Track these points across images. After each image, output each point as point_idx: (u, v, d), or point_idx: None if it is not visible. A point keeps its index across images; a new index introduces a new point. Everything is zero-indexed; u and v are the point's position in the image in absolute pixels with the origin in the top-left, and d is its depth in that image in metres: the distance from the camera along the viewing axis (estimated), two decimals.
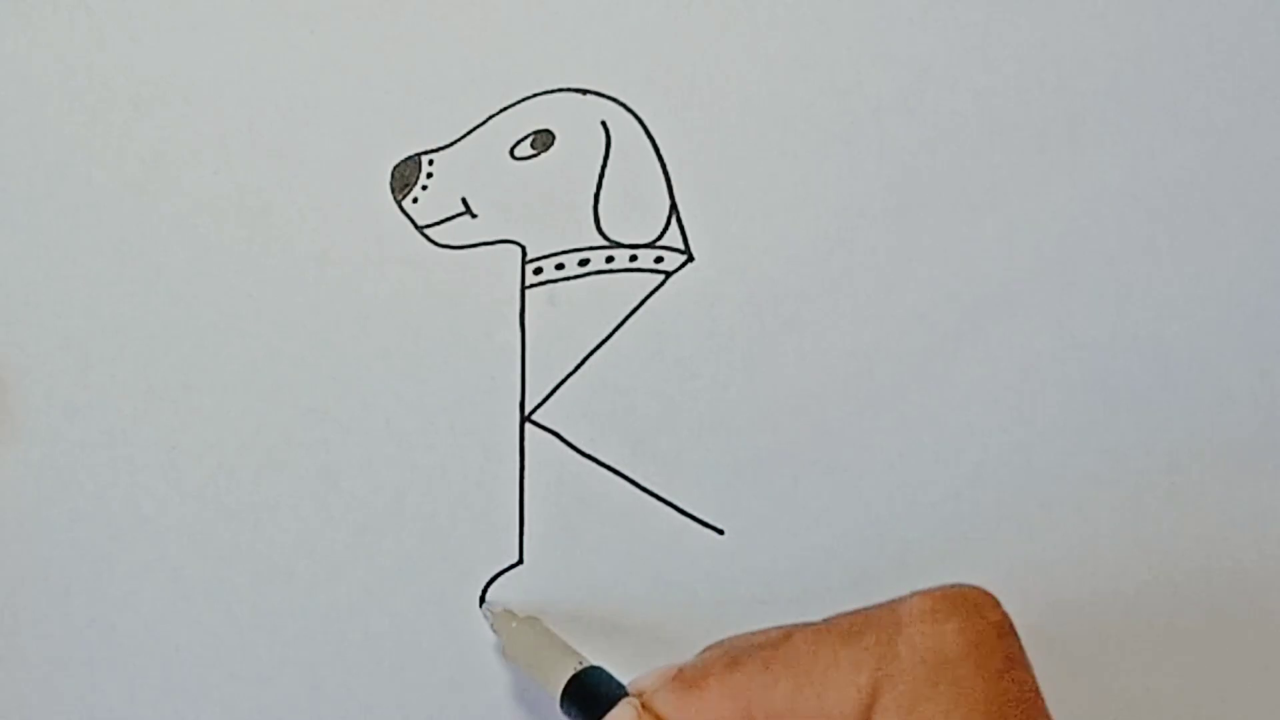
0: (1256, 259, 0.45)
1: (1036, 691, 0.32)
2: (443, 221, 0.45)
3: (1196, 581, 0.45)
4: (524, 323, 0.45)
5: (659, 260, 0.45)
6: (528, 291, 0.45)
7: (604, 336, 0.45)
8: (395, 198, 0.45)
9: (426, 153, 0.45)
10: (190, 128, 0.45)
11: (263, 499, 0.44)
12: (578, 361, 0.45)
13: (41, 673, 0.44)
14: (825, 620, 0.34)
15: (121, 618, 0.44)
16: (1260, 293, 0.45)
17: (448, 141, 0.45)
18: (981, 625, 0.32)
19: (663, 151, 0.45)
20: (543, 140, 0.45)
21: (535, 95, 0.45)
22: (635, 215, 0.45)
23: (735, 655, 0.35)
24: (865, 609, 0.34)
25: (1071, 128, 0.45)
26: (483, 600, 0.44)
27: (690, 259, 0.45)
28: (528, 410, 0.45)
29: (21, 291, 0.44)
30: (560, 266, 0.45)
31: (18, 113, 0.45)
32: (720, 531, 0.45)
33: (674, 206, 0.45)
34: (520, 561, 0.44)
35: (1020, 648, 0.32)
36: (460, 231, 0.45)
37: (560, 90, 0.45)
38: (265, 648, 0.44)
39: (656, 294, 0.45)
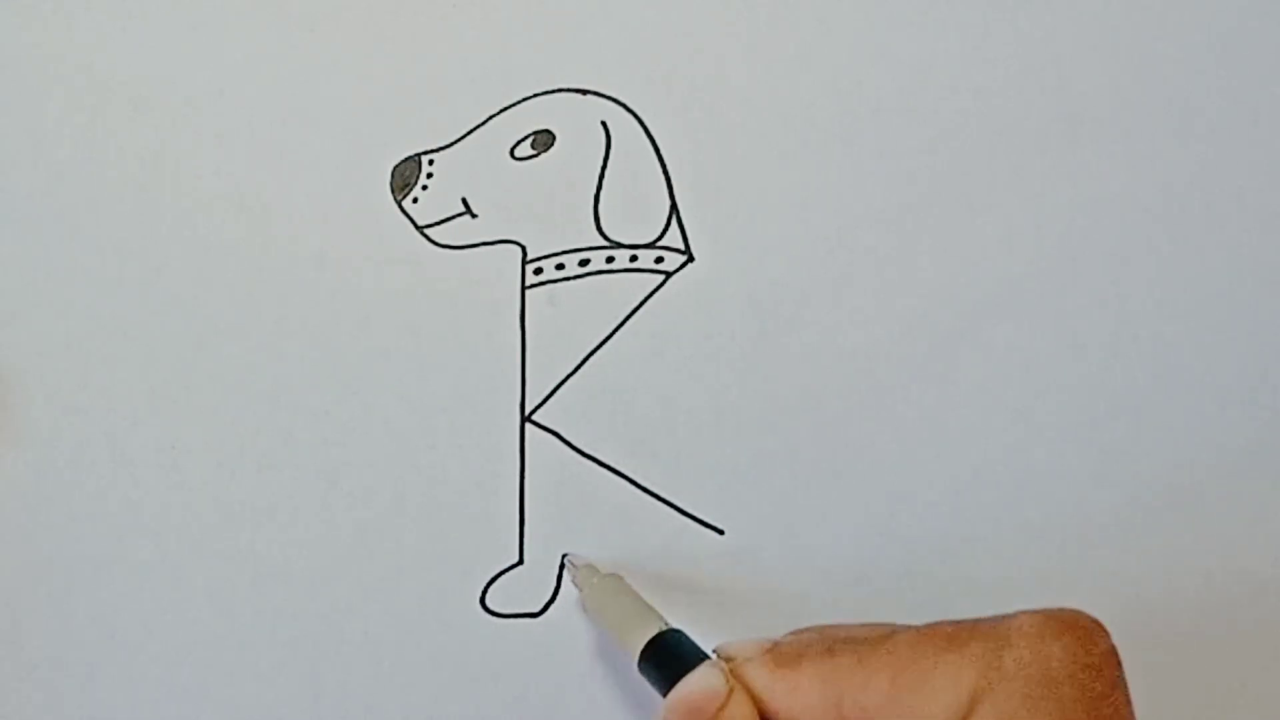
0: (1256, 259, 0.45)
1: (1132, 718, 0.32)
2: (443, 221, 0.45)
3: (1196, 581, 0.45)
4: (524, 323, 0.45)
5: (659, 260, 0.45)
6: (528, 291, 0.45)
7: (604, 337, 0.45)
8: (395, 198, 0.45)
9: (427, 153, 0.45)
10: (190, 128, 0.45)
11: (263, 499, 0.44)
12: (578, 362, 0.45)
13: (42, 673, 0.44)
14: (927, 625, 0.34)
15: (122, 618, 0.44)
16: (1260, 293, 0.45)
17: (448, 141, 0.45)
18: (1089, 650, 0.32)
19: (663, 152, 0.45)
20: (543, 140, 0.45)
21: (535, 95, 0.45)
22: (635, 215, 0.45)
23: (831, 644, 0.35)
24: (970, 620, 0.33)
25: (1071, 128, 0.45)
26: (483, 600, 0.44)
27: (690, 259, 0.45)
28: (528, 410, 0.45)
29: (22, 292, 0.44)
30: (560, 267, 0.45)
31: (18, 113, 0.45)
32: (721, 531, 0.45)
33: (674, 207, 0.45)
34: (520, 561, 0.44)
35: (1123, 677, 0.32)
36: (460, 231, 0.45)
37: (560, 90, 0.46)
38: (265, 648, 0.44)
39: (657, 294, 0.45)
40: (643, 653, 0.39)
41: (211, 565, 0.44)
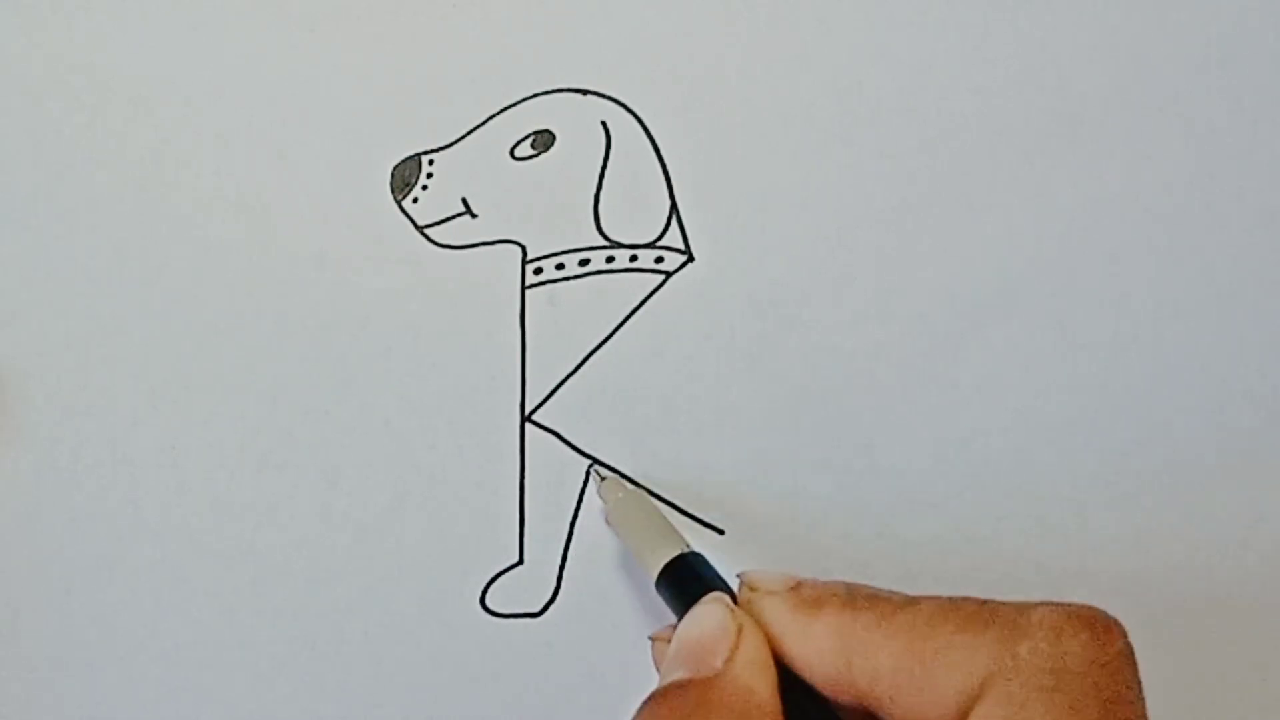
0: (1256, 259, 0.45)
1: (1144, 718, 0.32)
2: (443, 221, 0.45)
3: (1197, 581, 0.45)
4: (524, 323, 0.45)
5: (659, 260, 0.45)
6: (528, 291, 0.45)
7: (604, 337, 0.45)
8: (395, 198, 0.45)
9: (427, 153, 0.45)
10: (190, 128, 0.45)
11: (263, 499, 0.44)
12: (578, 362, 0.45)
13: (42, 672, 0.44)
14: (951, 599, 0.33)
15: (122, 617, 0.44)
16: (1260, 293, 0.45)
17: (448, 141, 0.45)
18: (1105, 648, 0.31)
19: (663, 151, 0.45)
20: (543, 140, 0.45)
21: (535, 95, 0.46)
22: (635, 215, 0.45)
23: (855, 597, 0.34)
24: (993, 603, 0.33)
25: (1071, 128, 0.45)
26: (483, 599, 0.44)
27: (690, 259, 0.45)
28: (528, 410, 0.45)
29: (22, 291, 0.44)
30: (560, 266, 0.45)
31: (18, 113, 0.45)
32: (721, 532, 0.45)
33: (674, 207, 0.45)
34: (520, 561, 0.44)
35: (1137, 678, 0.32)
36: (460, 231, 0.45)
37: (560, 90, 0.46)
38: (265, 647, 0.44)
39: (657, 294, 0.45)
40: (661, 573, 0.39)
41: (211, 565, 0.44)
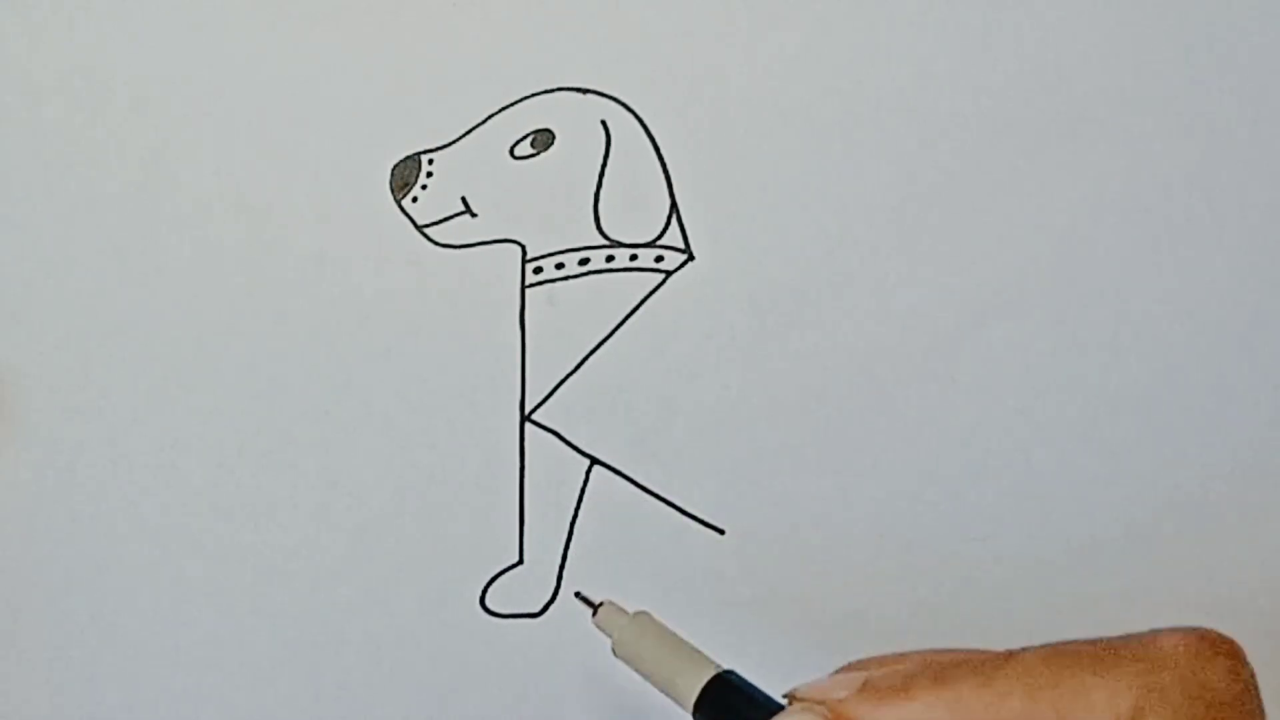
0: (1256, 259, 0.45)
1: None
2: (442, 221, 0.45)
3: (1197, 581, 0.45)
4: (524, 322, 0.45)
5: (659, 259, 0.45)
6: (528, 291, 0.45)
7: (604, 336, 0.45)
8: (395, 197, 0.45)
9: (426, 152, 0.45)
10: (190, 128, 0.45)
11: (262, 499, 0.44)
12: (578, 361, 0.45)
13: (41, 673, 0.44)
14: (1052, 645, 0.32)
15: (121, 617, 0.44)
16: (1260, 293, 0.45)
17: (447, 141, 0.45)
18: (1243, 673, 0.31)
19: (663, 150, 0.45)
20: (543, 139, 0.45)
21: (535, 94, 0.45)
22: (635, 214, 0.45)
23: (939, 669, 0.32)
24: (1104, 640, 0.32)
25: (1071, 128, 0.45)
26: (483, 600, 0.44)
27: (690, 258, 0.45)
28: (528, 410, 0.45)
29: (21, 291, 0.44)
30: (560, 266, 0.45)
31: (18, 113, 0.45)
32: (721, 531, 0.45)
33: (674, 206, 0.45)
34: (520, 561, 0.44)
35: (1261, 702, 0.31)
36: (460, 231, 0.45)
37: (560, 89, 0.45)
38: (265, 648, 0.44)
39: (656, 293, 0.45)
40: (699, 701, 0.35)
41: (211, 565, 0.44)
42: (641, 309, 0.45)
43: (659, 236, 0.45)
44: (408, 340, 0.45)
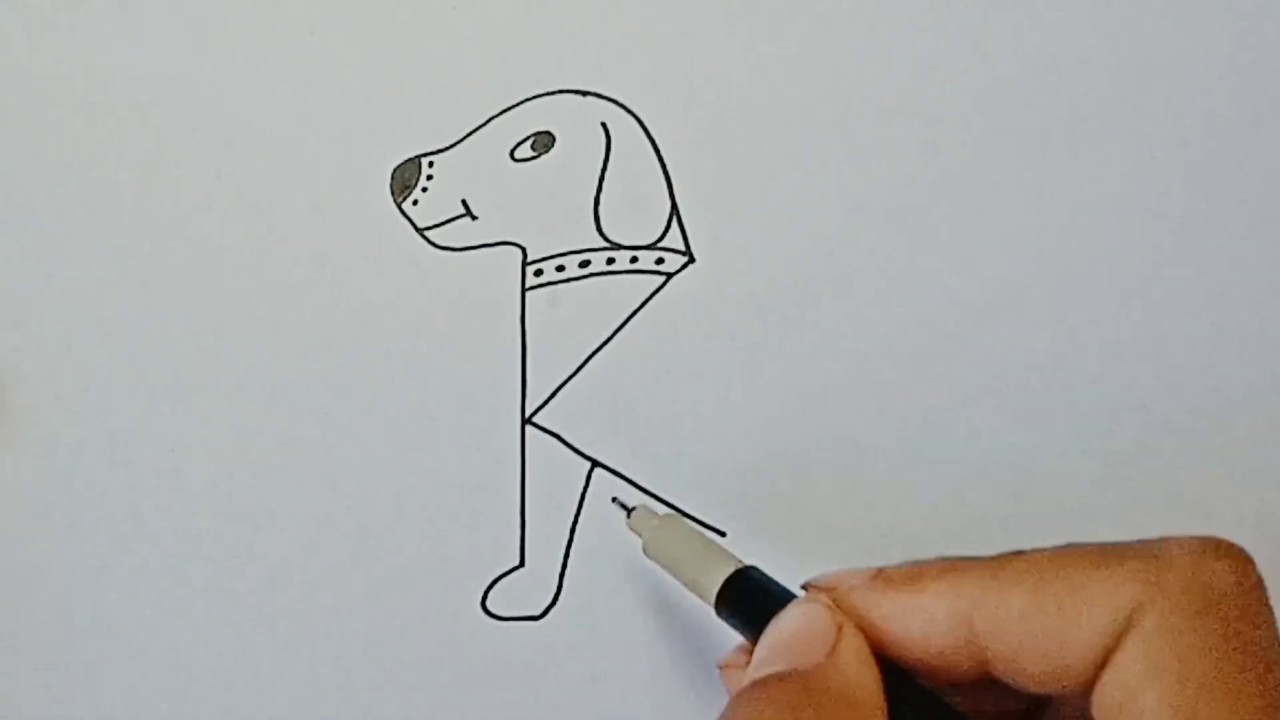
0: (1257, 259, 0.45)
1: None
2: (443, 224, 0.45)
3: None
4: (524, 325, 0.45)
5: (660, 262, 0.45)
6: (528, 293, 0.45)
7: (605, 338, 0.45)
8: (395, 200, 0.45)
9: (426, 155, 0.45)
10: (190, 130, 0.45)
11: (263, 502, 0.44)
12: (579, 363, 0.45)
13: (41, 676, 0.44)
14: (1061, 546, 0.32)
15: (122, 620, 0.44)
16: (1260, 293, 0.45)
17: (448, 144, 0.45)
18: (1249, 575, 0.31)
19: (663, 153, 0.45)
20: (543, 142, 0.45)
21: (535, 97, 0.46)
22: (636, 217, 0.45)
23: (949, 562, 0.33)
24: (1116, 543, 0.32)
25: (1071, 128, 0.46)
26: (484, 602, 0.44)
27: (691, 260, 0.45)
28: (528, 412, 0.45)
29: (22, 293, 0.44)
30: (561, 268, 0.45)
31: (18, 114, 0.45)
32: (722, 534, 0.45)
33: (674, 208, 0.45)
34: (522, 564, 0.44)
35: (1271, 609, 0.31)
36: (460, 233, 0.45)
37: (560, 92, 0.46)
38: (266, 651, 0.44)
39: (657, 295, 0.45)
40: (721, 593, 0.36)
41: (211, 568, 0.44)
42: (642, 311, 0.45)
43: (659, 239, 0.45)
44: (408, 343, 0.45)
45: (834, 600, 0.33)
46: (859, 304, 0.45)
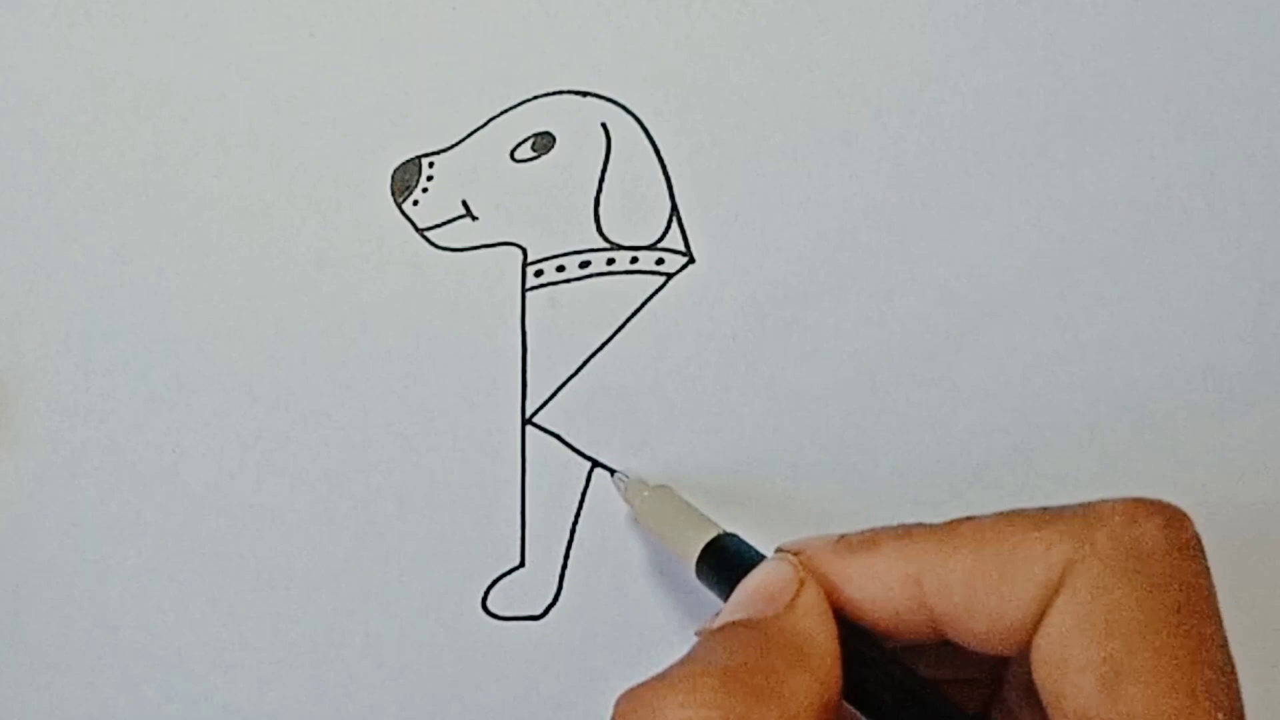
0: (1257, 259, 0.45)
1: (1217, 604, 0.32)
2: (443, 224, 0.45)
3: None
4: (525, 325, 0.45)
5: (660, 262, 0.45)
6: (528, 294, 0.45)
7: (605, 339, 0.45)
8: (395, 200, 0.45)
9: (427, 155, 0.45)
10: (191, 131, 0.45)
11: (264, 503, 0.44)
12: (579, 364, 0.45)
13: (43, 677, 0.44)
14: (1005, 511, 0.34)
15: (123, 620, 0.44)
16: (1260, 293, 0.45)
17: (448, 144, 0.45)
18: (1180, 533, 0.32)
19: (663, 153, 0.45)
20: (543, 142, 0.45)
21: (535, 98, 0.46)
22: (636, 217, 0.45)
23: (905, 528, 0.34)
24: (1057, 506, 0.33)
25: (1071, 128, 0.46)
26: (484, 602, 0.44)
27: (691, 261, 0.45)
28: (529, 413, 0.45)
29: (22, 295, 0.44)
30: (561, 269, 0.45)
31: (18, 115, 0.45)
32: None
33: (674, 208, 0.45)
34: (522, 564, 0.44)
35: (1207, 563, 0.32)
36: (461, 234, 0.45)
37: (560, 92, 0.46)
38: (267, 651, 0.44)
39: (657, 296, 0.45)
40: (700, 557, 0.39)
41: (212, 568, 0.44)
42: (642, 311, 0.45)
43: (659, 239, 0.45)
44: (408, 343, 0.45)
45: (801, 562, 0.35)
46: (858, 304, 0.45)
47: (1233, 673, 0.31)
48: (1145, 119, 0.46)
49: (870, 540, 0.34)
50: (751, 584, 0.35)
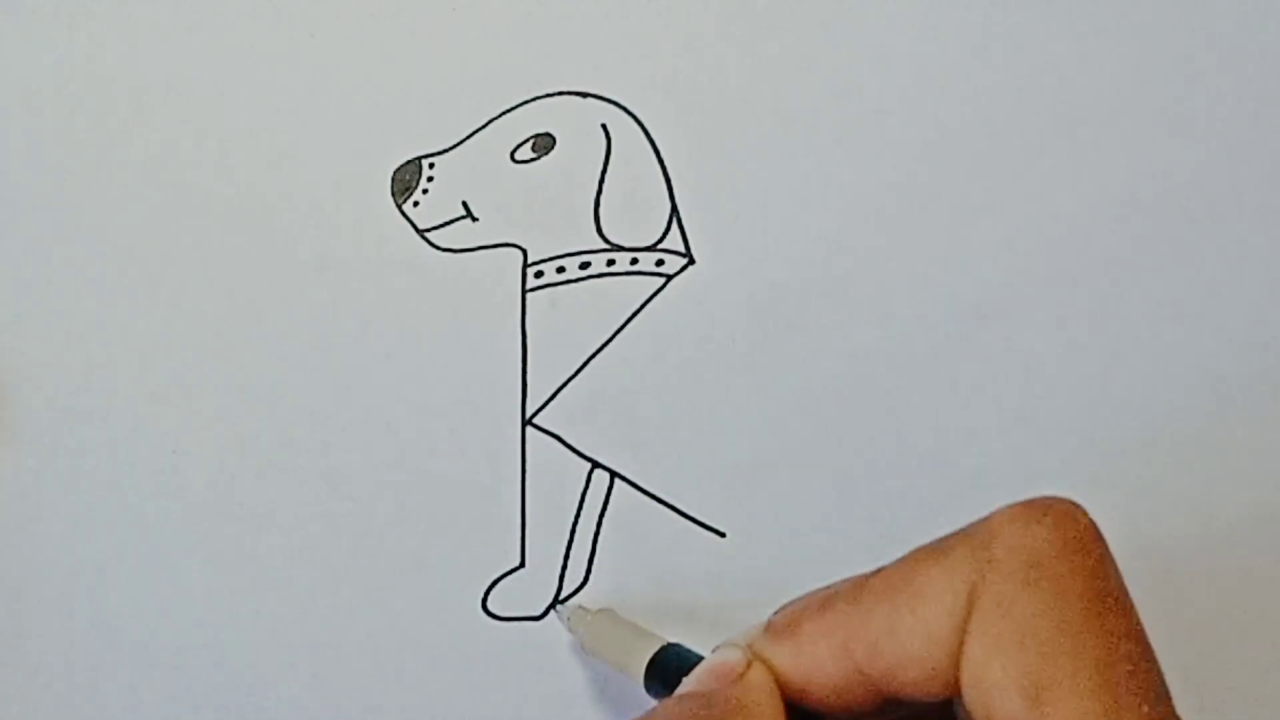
0: (1256, 259, 0.45)
1: (1126, 591, 0.32)
2: (443, 225, 0.45)
3: (1197, 583, 0.45)
4: (525, 326, 0.45)
5: (660, 263, 0.45)
6: (529, 295, 0.45)
7: (605, 340, 0.45)
8: (396, 201, 0.45)
9: (427, 156, 0.45)
10: (191, 131, 0.45)
11: (264, 503, 0.44)
12: (579, 365, 0.45)
13: (42, 678, 0.44)
14: (900, 558, 0.33)
15: (122, 621, 0.44)
16: (1260, 293, 0.45)
17: (448, 145, 0.45)
18: (1073, 528, 0.31)
19: (663, 154, 0.45)
20: (543, 143, 0.45)
21: (535, 98, 0.46)
22: (636, 218, 0.45)
23: (826, 596, 0.34)
24: (945, 535, 0.33)
25: (1071, 128, 0.46)
26: (484, 603, 0.44)
27: (691, 262, 0.45)
28: (529, 414, 0.45)
29: (21, 295, 0.44)
30: (561, 270, 0.45)
31: (18, 115, 0.45)
32: (722, 534, 0.45)
33: (675, 209, 0.45)
34: (522, 565, 0.44)
35: (1109, 552, 0.32)
36: (461, 235, 0.45)
37: (560, 93, 0.46)
38: (267, 652, 0.44)
39: (657, 297, 0.45)
40: (647, 672, 0.39)
41: (212, 569, 0.44)
42: (642, 313, 0.45)
43: (660, 240, 0.45)
44: (408, 344, 0.45)
45: (748, 649, 0.35)
46: (858, 305, 0.45)
47: (1152, 658, 0.31)
48: (1145, 119, 0.46)
49: (792, 623, 0.34)
50: (702, 667, 0.35)
